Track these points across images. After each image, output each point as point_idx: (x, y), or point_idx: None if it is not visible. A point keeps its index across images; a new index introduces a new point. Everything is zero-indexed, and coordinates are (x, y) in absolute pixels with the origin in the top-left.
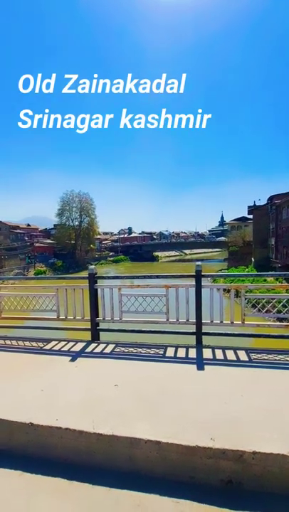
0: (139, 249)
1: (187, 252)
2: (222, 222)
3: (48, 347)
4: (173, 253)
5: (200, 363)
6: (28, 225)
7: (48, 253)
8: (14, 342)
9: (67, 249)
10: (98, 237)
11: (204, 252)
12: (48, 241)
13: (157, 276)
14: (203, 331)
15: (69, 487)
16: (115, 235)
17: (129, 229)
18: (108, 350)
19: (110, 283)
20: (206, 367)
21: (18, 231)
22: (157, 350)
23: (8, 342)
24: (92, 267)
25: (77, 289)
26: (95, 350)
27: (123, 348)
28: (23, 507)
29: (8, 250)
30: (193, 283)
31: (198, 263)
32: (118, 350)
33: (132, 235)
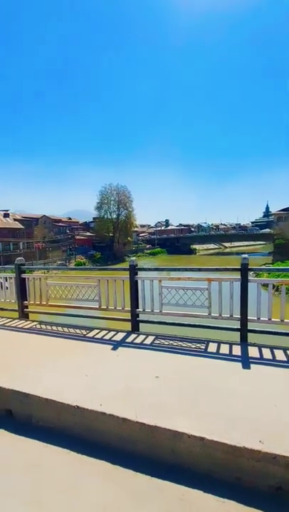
0: (176, 242)
1: (227, 244)
2: (267, 213)
3: (90, 335)
4: (211, 246)
5: (245, 361)
6: (70, 218)
7: (87, 245)
8: (60, 328)
9: (106, 242)
10: (135, 229)
11: (246, 245)
12: (88, 234)
13: (199, 269)
14: (248, 327)
15: (113, 471)
16: (152, 227)
17: (167, 221)
18: (148, 341)
19: (150, 275)
20: (252, 366)
21: (60, 224)
22: (199, 345)
23: (54, 328)
24: (133, 258)
25: (118, 280)
26: (135, 341)
27: (163, 341)
28: (72, 484)
29: (51, 242)
30: (239, 277)
31: (245, 256)
32: (158, 342)
33: (169, 228)
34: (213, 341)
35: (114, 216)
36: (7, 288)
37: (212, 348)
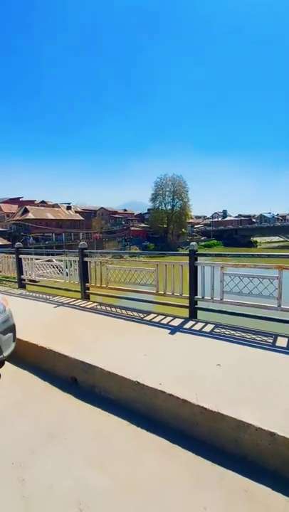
0: (234, 234)
1: None
2: None
3: (147, 318)
4: (275, 239)
5: None
6: (125, 210)
7: (141, 236)
8: (118, 310)
9: (160, 233)
10: (190, 221)
11: None
12: (142, 225)
13: (268, 255)
14: None
15: (172, 450)
16: (208, 218)
17: (224, 212)
18: (207, 329)
19: (211, 261)
20: None
21: (116, 216)
22: (265, 338)
23: (113, 309)
24: (193, 243)
25: (176, 266)
26: (193, 328)
27: (224, 330)
28: (132, 455)
29: (108, 233)
30: None
31: None
32: (218, 330)
33: (227, 219)
34: (283, 335)
35: (169, 207)
36: (71, 274)
37: (281, 342)
